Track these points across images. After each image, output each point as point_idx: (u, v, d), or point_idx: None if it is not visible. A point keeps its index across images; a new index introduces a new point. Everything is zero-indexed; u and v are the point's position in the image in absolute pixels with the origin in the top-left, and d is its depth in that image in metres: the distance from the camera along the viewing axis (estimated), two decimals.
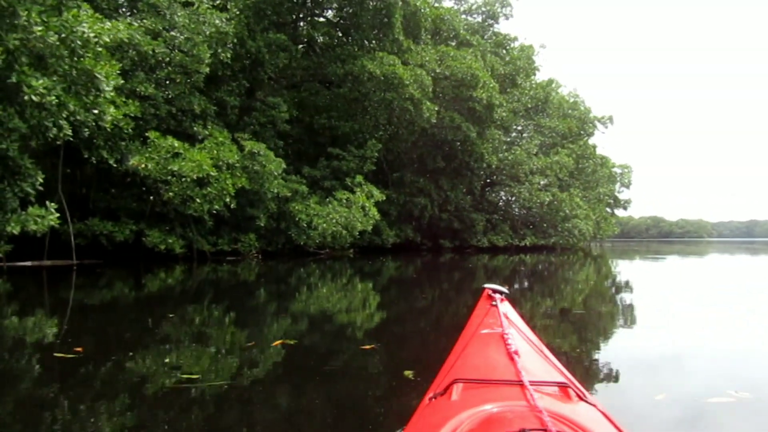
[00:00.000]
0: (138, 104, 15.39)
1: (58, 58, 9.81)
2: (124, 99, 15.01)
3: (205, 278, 13.20)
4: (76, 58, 10.54)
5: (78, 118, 11.07)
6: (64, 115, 10.43)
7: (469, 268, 17.81)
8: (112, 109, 12.47)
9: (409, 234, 26.89)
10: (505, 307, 2.27)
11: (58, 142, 12.53)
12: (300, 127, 24.12)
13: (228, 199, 16.71)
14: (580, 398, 1.54)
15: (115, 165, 15.62)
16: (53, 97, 9.46)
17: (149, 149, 15.61)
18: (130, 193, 17.11)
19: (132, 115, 15.07)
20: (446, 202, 28.44)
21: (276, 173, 18.65)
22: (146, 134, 15.84)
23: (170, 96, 17.19)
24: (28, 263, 14.70)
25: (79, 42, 10.02)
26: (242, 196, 18.36)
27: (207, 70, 17.33)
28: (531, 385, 1.51)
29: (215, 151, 16.89)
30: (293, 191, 19.76)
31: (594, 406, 1.51)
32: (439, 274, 15.91)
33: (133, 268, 15.10)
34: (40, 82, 9.26)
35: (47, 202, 10.57)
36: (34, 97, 9.10)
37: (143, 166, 15.15)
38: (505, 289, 2.44)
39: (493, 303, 2.28)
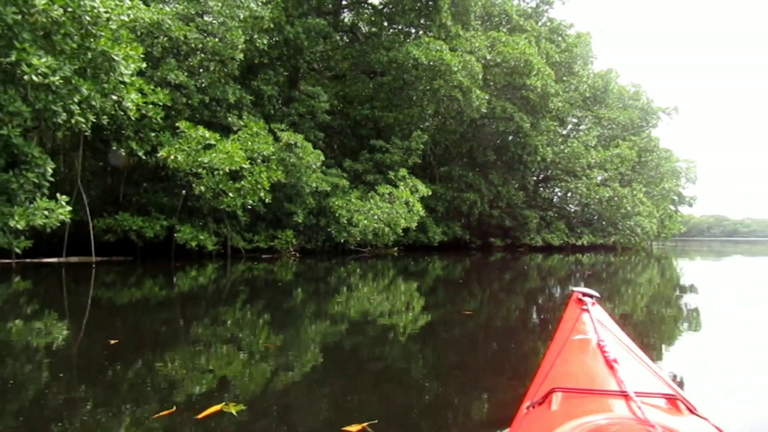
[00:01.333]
0: (167, 93, 14.57)
1: (65, 35, 8.86)
2: (152, 87, 14.21)
3: (239, 277, 12.39)
4: (87, 37, 9.60)
5: (93, 103, 10.15)
6: (76, 100, 9.50)
7: (522, 269, 16.30)
8: (133, 96, 11.52)
9: (457, 231, 25.38)
10: (597, 312, 2.21)
11: (78, 130, 11.73)
12: (341, 119, 23.00)
13: (263, 194, 15.69)
14: (691, 411, 1.47)
15: (144, 157, 14.83)
16: (57, 78, 8.51)
17: (179, 140, 14.73)
18: (161, 186, 16.34)
19: (161, 103, 14.27)
20: (497, 197, 26.76)
21: (314, 166, 17.54)
22: (176, 125, 14.97)
23: (203, 84, 16.30)
24: (54, 260, 14.03)
25: (88, 17, 9.05)
26: (279, 191, 17.37)
27: (241, 56, 16.35)
28: (637, 396, 1.45)
29: (249, 143, 15.89)
30: (333, 185, 18.62)
31: (706, 420, 1.43)
32: (490, 274, 14.55)
33: (161, 266, 14.28)
34: (43, 60, 8.32)
35: (58, 195, 9.69)
36: (34, 77, 8.17)
37: (172, 158, 14.27)
38: (595, 293, 2.36)
39: (584, 307, 2.23)
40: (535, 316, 6.98)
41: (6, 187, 9.00)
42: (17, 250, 11.42)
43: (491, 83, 23.70)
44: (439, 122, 23.26)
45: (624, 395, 1.49)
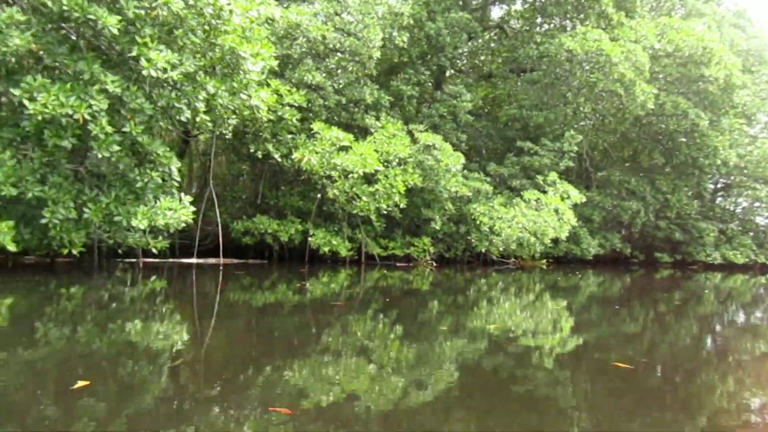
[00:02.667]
0: (303, 94, 14.29)
1: (188, 30, 8.59)
2: (289, 88, 14.00)
3: (372, 285, 11.89)
4: (212, 32, 9.32)
5: (220, 101, 9.88)
6: (201, 98, 9.24)
7: (697, 291, 13.71)
8: (263, 95, 11.17)
9: (616, 244, 22.59)
10: None
11: (219, 132, 11.71)
12: (486, 119, 21.54)
13: (398, 198, 14.82)
14: None
15: (280, 160, 14.68)
16: (177, 73, 8.22)
17: (314, 142, 14.36)
18: (298, 190, 16.16)
19: (296, 104, 14.01)
20: (665, 207, 23.43)
21: (454, 169, 16.34)
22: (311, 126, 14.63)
23: (340, 85, 15.85)
24: (185, 260, 14.32)
25: (210, 11, 8.72)
26: (416, 195, 16.43)
27: (378, 54, 15.67)
28: None
29: (385, 145, 15.12)
30: (474, 190, 17.25)
31: None
32: (655, 296, 12.36)
33: (293, 270, 13.98)
34: (162, 55, 8.06)
35: (182, 195, 9.50)
36: (153, 73, 7.92)
37: (306, 160, 13.90)
38: None
39: None
40: (731, 382, 4.78)
41: (132, 186, 8.92)
42: (154, 250, 11.60)
43: (660, 75, 20.78)
44: (597, 121, 20.86)
45: None
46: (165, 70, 8.05)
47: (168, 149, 9.14)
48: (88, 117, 7.68)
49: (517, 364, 4.68)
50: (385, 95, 16.77)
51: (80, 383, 3.39)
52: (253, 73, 10.06)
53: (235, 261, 15.13)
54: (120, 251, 11.61)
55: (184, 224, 9.37)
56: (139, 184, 8.84)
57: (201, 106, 9.33)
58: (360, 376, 3.94)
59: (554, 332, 6.53)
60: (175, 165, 9.20)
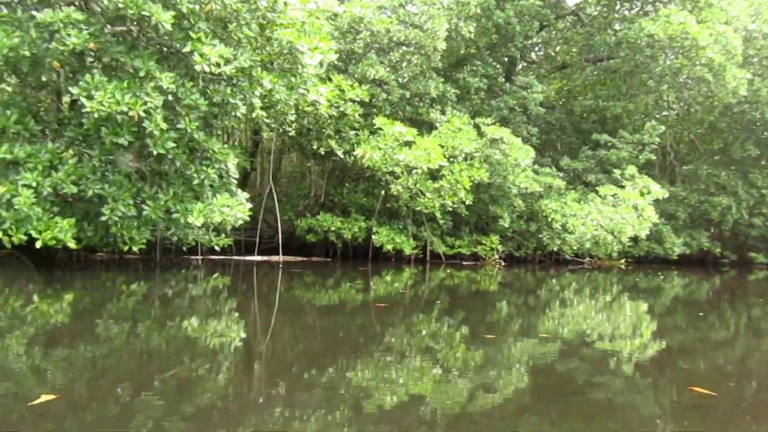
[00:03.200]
0: (366, 88, 14.02)
1: (242, 24, 8.45)
2: (351, 83, 13.76)
3: (438, 284, 11.57)
4: (267, 26, 9.16)
5: (278, 96, 9.72)
6: (258, 93, 9.10)
7: None
8: (323, 89, 10.94)
9: (704, 243, 20.94)
10: None
11: (265, 130, 11.60)
12: (560, 112, 20.51)
13: (463, 194, 14.26)
14: None
15: (343, 156, 14.47)
16: (231, 68, 8.09)
17: (376, 138, 14.04)
18: (361, 187, 15.91)
19: (359, 100, 13.74)
20: (760, 202, 21.50)
21: (523, 164, 15.57)
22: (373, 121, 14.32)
23: (405, 79, 15.44)
24: (246, 258, 14.36)
25: (264, 4, 8.54)
26: (484, 192, 15.80)
27: (443, 46, 15.16)
28: None
29: (450, 139, 14.60)
30: (545, 186, 16.40)
31: None
32: (748, 302, 11.24)
33: (356, 268, 13.76)
34: (216, 50, 7.94)
35: (239, 192, 9.40)
36: (206, 67, 7.82)
37: (368, 156, 13.60)
38: None
39: None
40: None
41: (190, 182, 8.89)
42: (216, 248, 11.65)
43: (754, 59, 19.04)
44: (681, 110, 19.41)
45: None
46: (218, 65, 7.91)
47: (224, 145, 9.05)
48: (143, 114, 7.66)
49: (588, 371, 4.43)
50: (451, 88, 16.22)
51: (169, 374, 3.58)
52: (310, 67, 9.81)
53: (298, 259, 15.06)
54: (184, 248, 11.72)
55: (241, 221, 9.25)
56: (195, 182, 8.79)
57: (257, 102, 9.17)
58: (425, 379, 3.85)
59: (628, 340, 5.93)
60: (232, 161, 9.10)
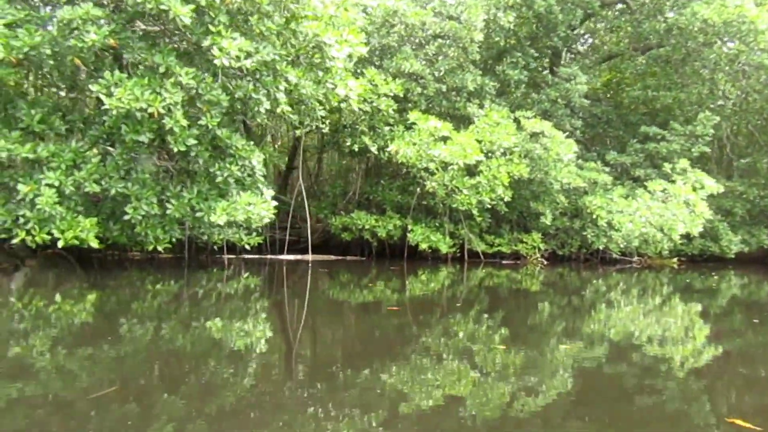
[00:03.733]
0: (402, 82, 13.64)
1: (263, 16, 8.20)
2: (385, 78, 13.42)
3: (476, 284, 11.29)
4: (292, 18, 8.90)
5: (304, 91, 9.46)
6: (282, 87, 8.85)
7: None
8: (352, 83, 10.62)
9: (764, 241, 19.67)
10: None
11: (298, 130, 11.39)
12: (606, 104, 19.61)
13: (501, 191, 13.70)
14: None
15: (377, 153, 14.13)
16: (251, 62, 7.85)
17: (410, 133, 13.64)
18: (396, 184, 15.53)
19: (393, 94, 13.37)
20: None
21: (566, 158, 14.88)
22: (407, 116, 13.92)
23: (441, 72, 14.97)
24: (276, 257, 14.19)
25: None
26: (524, 188, 15.20)
27: (480, 37, 14.63)
28: None
29: (487, 133, 14.06)
30: (590, 182, 15.64)
31: None
32: None
33: (390, 267, 13.43)
34: (237, 43, 7.71)
35: (264, 189, 9.17)
36: (225, 61, 7.60)
37: (402, 152, 13.21)
38: None
39: None
40: None
41: (213, 180, 8.72)
42: (247, 246, 11.50)
43: None
44: (739, 100, 18.21)
45: None
46: (238, 59, 7.68)
47: (248, 142, 8.83)
48: (162, 111, 7.50)
49: (641, 373, 4.24)
50: (490, 81, 15.64)
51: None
52: (338, 61, 9.49)
53: (331, 258, 14.82)
54: (215, 247, 11.63)
55: (267, 219, 9.02)
56: (219, 179, 8.60)
57: (282, 97, 8.91)
58: (464, 382, 3.79)
59: (678, 345, 5.48)
60: (258, 158, 8.86)
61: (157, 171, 8.74)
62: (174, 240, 9.23)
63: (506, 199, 13.90)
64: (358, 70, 13.28)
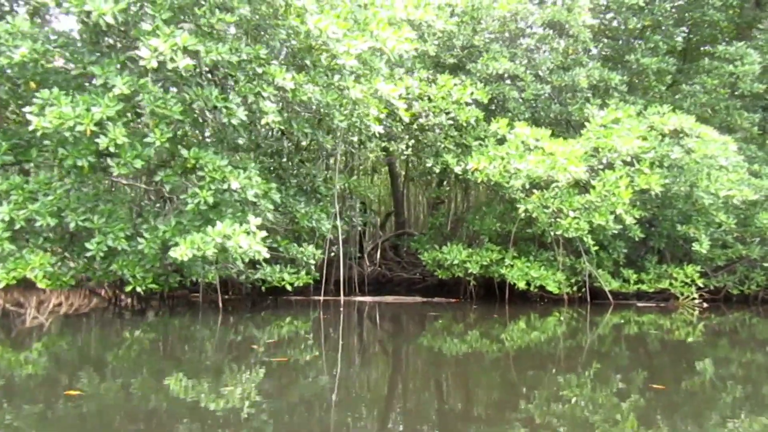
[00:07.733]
0: (487, 89, 11.36)
1: (213, 6, 6.81)
2: (471, 82, 11.24)
3: (603, 335, 9.10)
4: (281, 9, 7.40)
5: (308, 98, 7.84)
6: (266, 94, 7.32)
7: None
8: (384, 87, 8.67)
9: None
10: None
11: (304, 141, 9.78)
12: None
13: (620, 209, 10.37)
14: None
15: (460, 173, 11.78)
16: (190, 62, 6.45)
17: (495, 146, 11.11)
18: (496, 210, 12.84)
19: (471, 100, 11.08)
20: None
21: (725, 162, 10.96)
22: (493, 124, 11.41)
23: (545, 72, 12.23)
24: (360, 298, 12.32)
25: None
26: (668, 206, 11.61)
27: (593, 21, 11.65)
28: None
29: (602, 139, 10.90)
30: (763, 194, 11.35)
31: None
32: None
33: (481, 313, 11.00)
34: (178, 40, 6.38)
35: (251, 218, 7.55)
36: (155, 63, 6.28)
37: (481, 168, 10.73)
38: None
39: None
40: None
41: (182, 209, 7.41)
42: (288, 288, 10.01)
43: None
44: None
45: None
46: (173, 60, 6.30)
47: (223, 161, 7.34)
48: (94, 128, 6.39)
49: None
50: (616, 76, 12.38)
51: None
52: (346, 57, 7.64)
53: (409, 299, 12.70)
54: (256, 286, 10.37)
55: (257, 254, 7.38)
56: (189, 206, 7.24)
57: (270, 105, 7.33)
58: None
59: None
60: (237, 180, 7.33)
61: (132, 200, 7.69)
62: (166, 280, 8.08)
63: (630, 220, 10.50)
64: (431, 76, 11.32)
